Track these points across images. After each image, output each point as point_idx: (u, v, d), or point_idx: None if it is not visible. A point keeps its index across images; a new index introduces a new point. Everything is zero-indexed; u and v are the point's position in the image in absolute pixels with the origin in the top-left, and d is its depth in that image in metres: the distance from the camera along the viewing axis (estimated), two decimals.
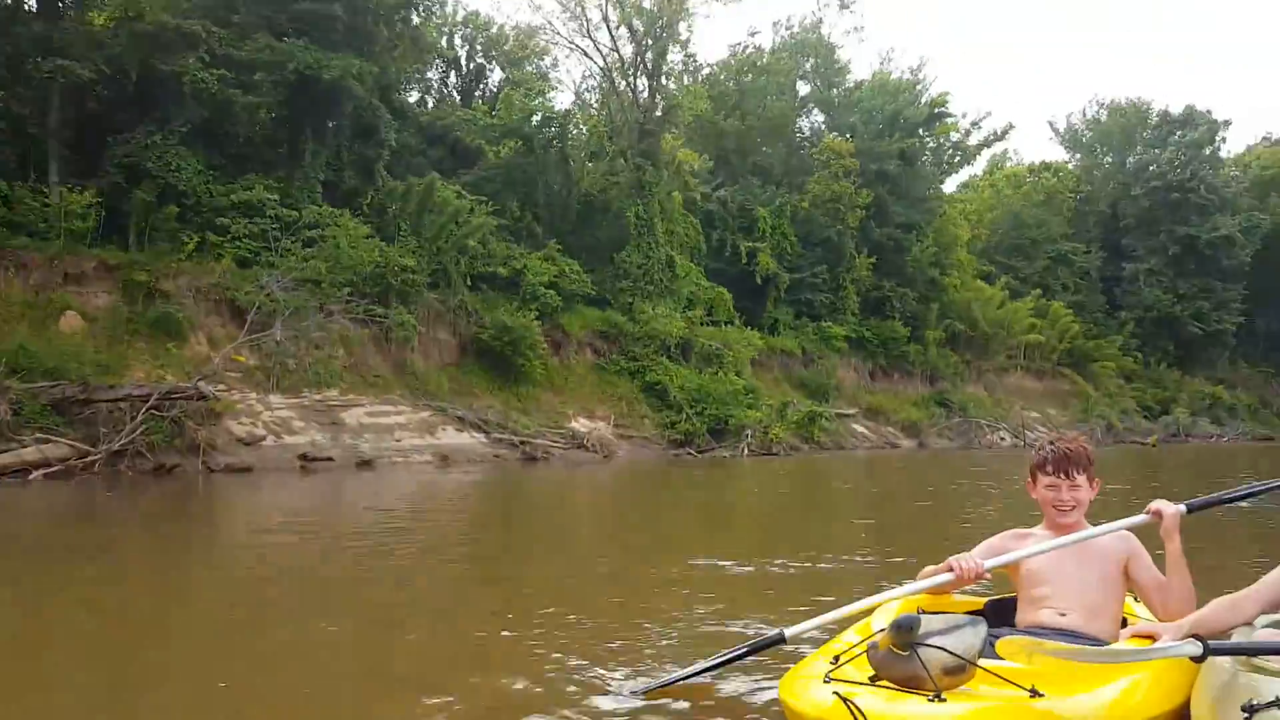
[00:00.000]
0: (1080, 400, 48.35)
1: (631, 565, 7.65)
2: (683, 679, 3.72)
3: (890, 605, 3.44)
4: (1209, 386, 54.96)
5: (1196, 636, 2.72)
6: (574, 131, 36.15)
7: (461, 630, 5.00)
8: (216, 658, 4.52)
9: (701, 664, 3.75)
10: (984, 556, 3.47)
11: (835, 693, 2.43)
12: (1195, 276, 56.23)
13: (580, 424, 28.27)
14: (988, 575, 3.44)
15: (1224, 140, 62.40)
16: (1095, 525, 3.50)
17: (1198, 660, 2.69)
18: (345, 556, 8.17)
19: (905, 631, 2.50)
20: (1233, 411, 54.56)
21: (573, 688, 3.73)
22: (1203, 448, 41.98)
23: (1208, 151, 60.02)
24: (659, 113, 36.19)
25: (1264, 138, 70.34)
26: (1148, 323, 55.66)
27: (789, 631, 3.58)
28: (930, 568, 3.54)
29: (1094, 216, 59.85)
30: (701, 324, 33.96)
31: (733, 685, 3.77)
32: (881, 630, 2.62)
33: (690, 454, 28.32)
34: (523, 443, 25.47)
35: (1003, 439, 40.91)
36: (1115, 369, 51.95)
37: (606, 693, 3.66)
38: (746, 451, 28.87)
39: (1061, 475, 3.45)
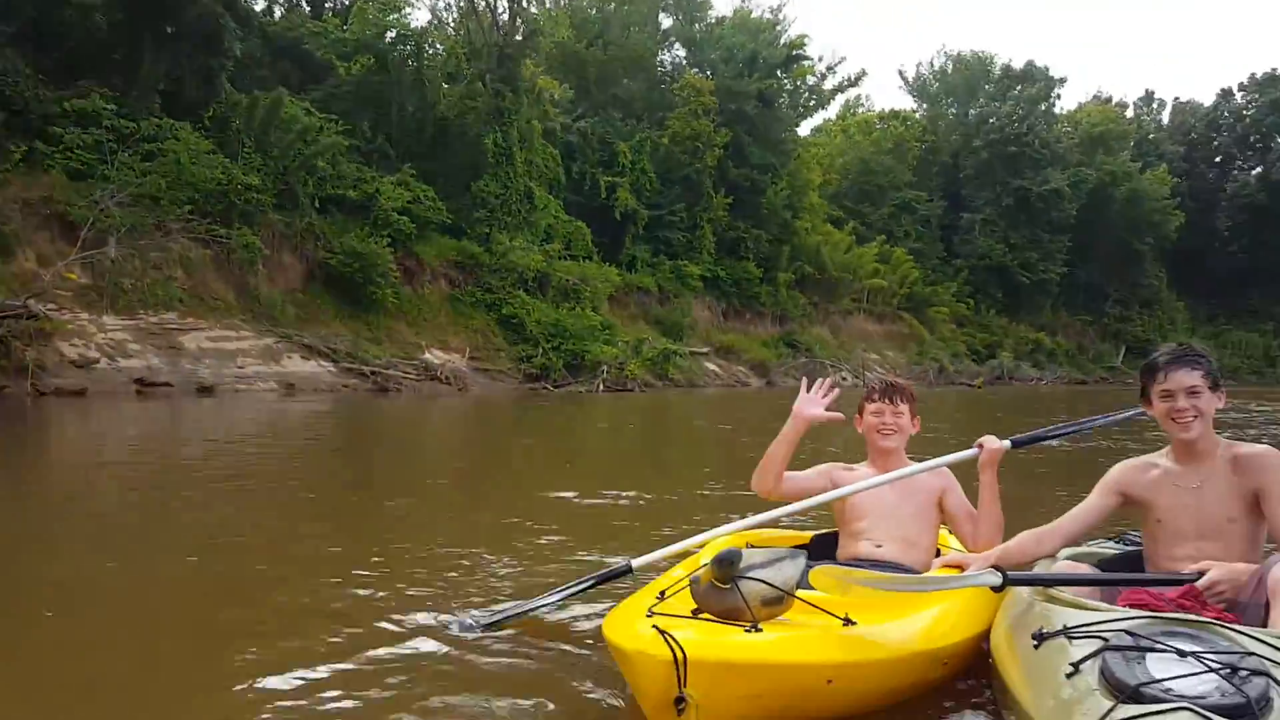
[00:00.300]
0: (916, 343, 50.50)
1: (480, 499, 7.45)
2: (527, 611, 3.63)
3: (722, 540, 3.54)
4: (1032, 333, 58.26)
5: (997, 567, 2.86)
6: (430, 51, 34.74)
7: (300, 566, 4.71)
8: (21, 593, 4.16)
9: (546, 596, 3.69)
10: (814, 482, 3.62)
11: (654, 626, 2.41)
12: (1025, 228, 59.13)
13: (434, 355, 27.70)
14: (820, 419, 3.58)
15: (1059, 97, 65.93)
16: (919, 463, 3.64)
17: (997, 590, 2.84)
18: (179, 487, 7.58)
19: (727, 565, 2.52)
20: (1052, 356, 58.06)
21: (413, 624, 3.58)
22: (1024, 389, 44.58)
23: (1043, 107, 62.96)
24: (519, 37, 35.18)
25: (1094, 96, 74.40)
26: (980, 271, 58.38)
27: (636, 562, 3.57)
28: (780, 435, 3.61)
29: (937, 166, 62.03)
30: (560, 258, 33.59)
31: (578, 618, 3.70)
32: (705, 565, 2.62)
33: (546, 388, 28.18)
34: (373, 373, 24.77)
35: (845, 379, 42.31)
36: (949, 314, 54.40)
37: (447, 628, 3.52)
38: (602, 387, 28.94)
39: (886, 401, 3.63)
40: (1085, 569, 3.08)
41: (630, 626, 2.54)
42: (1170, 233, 64.80)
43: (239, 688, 2.88)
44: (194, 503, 6.80)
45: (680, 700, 2.29)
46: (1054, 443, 4.15)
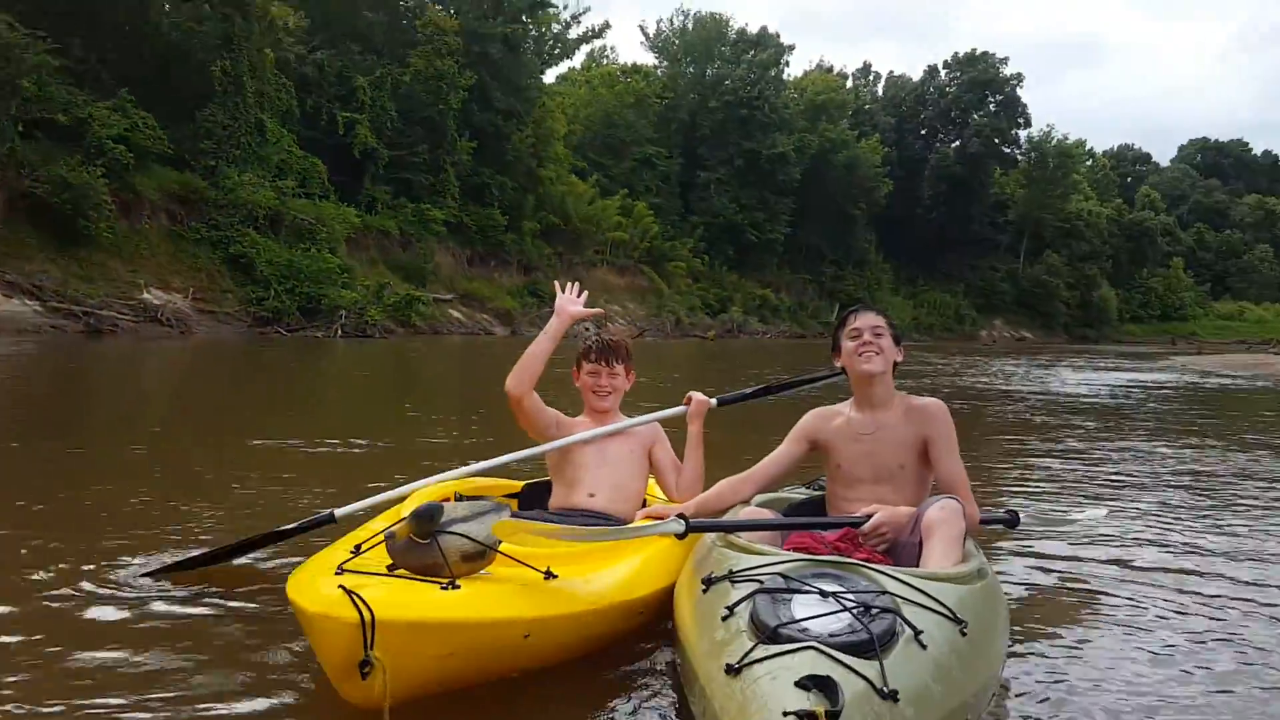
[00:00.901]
0: (655, 296, 52.15)
1: (187, 445, 7.15)
2: (206, 561, 3.45)
3: (431, 489, 3.46)
4: (760, 289, 61.45)
5: (681, 516, 2.96)
6: None
7: None
8: None
9: (235, 546, 3.51)
10: (545, 415, 3.65)
11: (341, 586, 2.24)
12: (755, 189, 62.09)
13: (153, 296, 25.76)
14: (576, 317, 3.69)
15: (787, 64, 69.12)
16: (637, 415, 3.77)
17: (680, 537, 2.92)
18: None
19: (425, 520, 2.43)
20: (776, 312, 61.67)
21: (86, 574, 3.34)
22: (751, 342, 47.28)
23: (773, 73, 66.01)
24: None
25: (817, 64, 78.97)
26: (715, 228, 60.84)
27: (339, 512, 3.45)
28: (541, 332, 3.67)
29: (676, 124, 63.73)
30: (294, 196, 31.93)
31: (274, 570, 3.54)
32: (403, 520, 2.50)
33: (279, 333, 26.92)
34: (85, 314, 22.78)
35: (588, 329, 43.13)
36: (686, 269, 56.39)
37: (115, 577, 3.29)
38: (340, 333, 27.98)
39: (603, 363, 3.68)
40: (769, 514, 3.17)
41: (315, 585, 2.36)
42: (880, 199, 70.03)
43: None
44: None
45: (365, 664, 2.17)
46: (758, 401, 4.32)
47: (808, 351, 33.88)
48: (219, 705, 2.38)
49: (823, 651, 1.91)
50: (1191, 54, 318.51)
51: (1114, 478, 6.67)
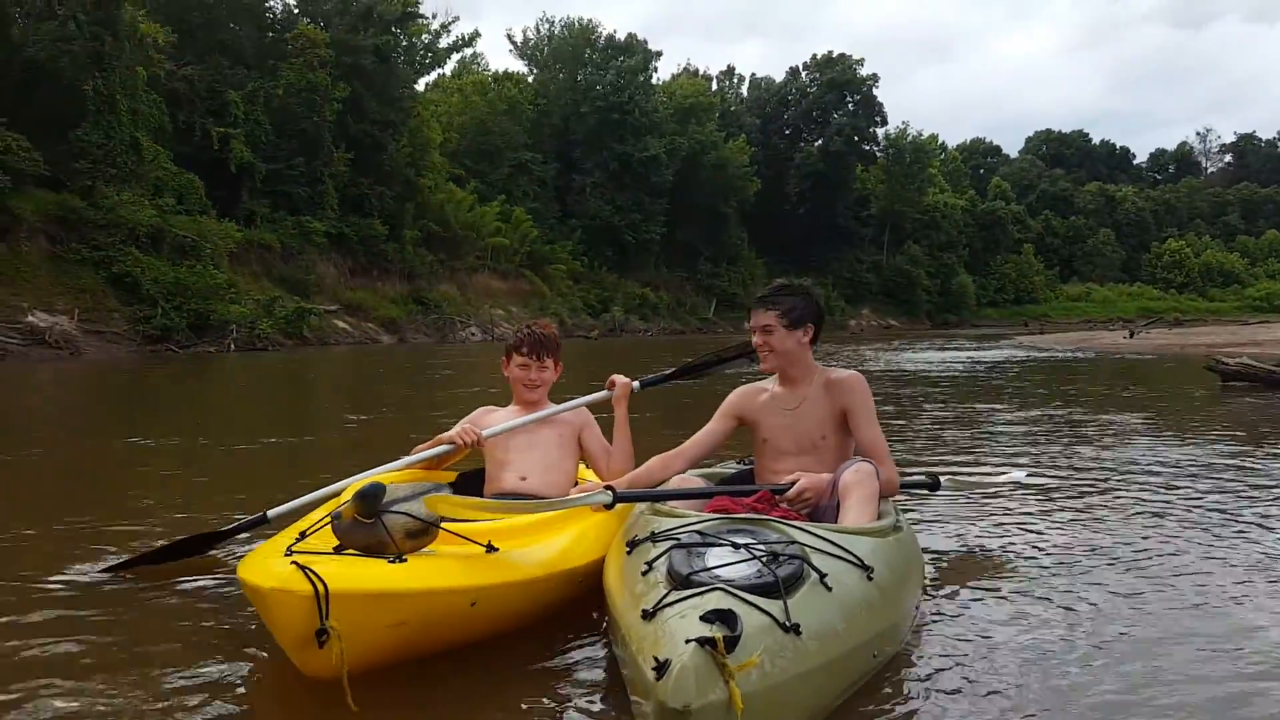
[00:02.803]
0: (538, 298, 53.14)
1: (78, 463, 7.18)
2: (144, 562, 3.56)
3: (363, 481, 3.44)
4: (639, 288, 62.85)
5: (609, 487, 3.07)
6: None
7: None
8: None
9: (171, 548, 3.60)
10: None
11: (293, 562, 2.34)
12: (630, 191, 63.68)
13: (38, 318, 25.58)
14: (483, 443, 3.72)
15: (656, 69, 70.98)
16: (558, 403, 3.90)
17: (609, 507, 3.06)
18: None
19: (370, 499, 2.55)
20: (656, 310, 63.23)
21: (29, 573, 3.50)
22: (633, 340, 48.75)
23: (642, 78, 67.69)
24: None
25: (685, 69, 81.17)
26: (593, 230, 62.20)
27: (272, 512, 3.51)
28: (424, 445, 3.79)
29: (549, 129, 64.85)
30: (174, 213, 31.92)
31: (212, 568, 3.66)
32: (347, 502, 2.60)
33: (171, 349, 27.05)
34: None
35: (474, 334, 44.04)
36: (566, 271, 57.49)
37: (68, 575, 3.41)
38: (233, 347, 28.28)
39: (534, 357, 3.80)
40: (698, 482, 3.34)
41: (267, 565, 2.45)
42: (749, 197, 72.60)
43: None
44: None
45: (322, 633, 2.27)
46: (692, 382, 4.50)
47: (688, 346, 35.28)
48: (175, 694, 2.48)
49: (729, 591, 2.04)
50: (1035, 50, 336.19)
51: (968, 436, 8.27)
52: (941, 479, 4.10)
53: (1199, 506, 4.74)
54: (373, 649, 2.40)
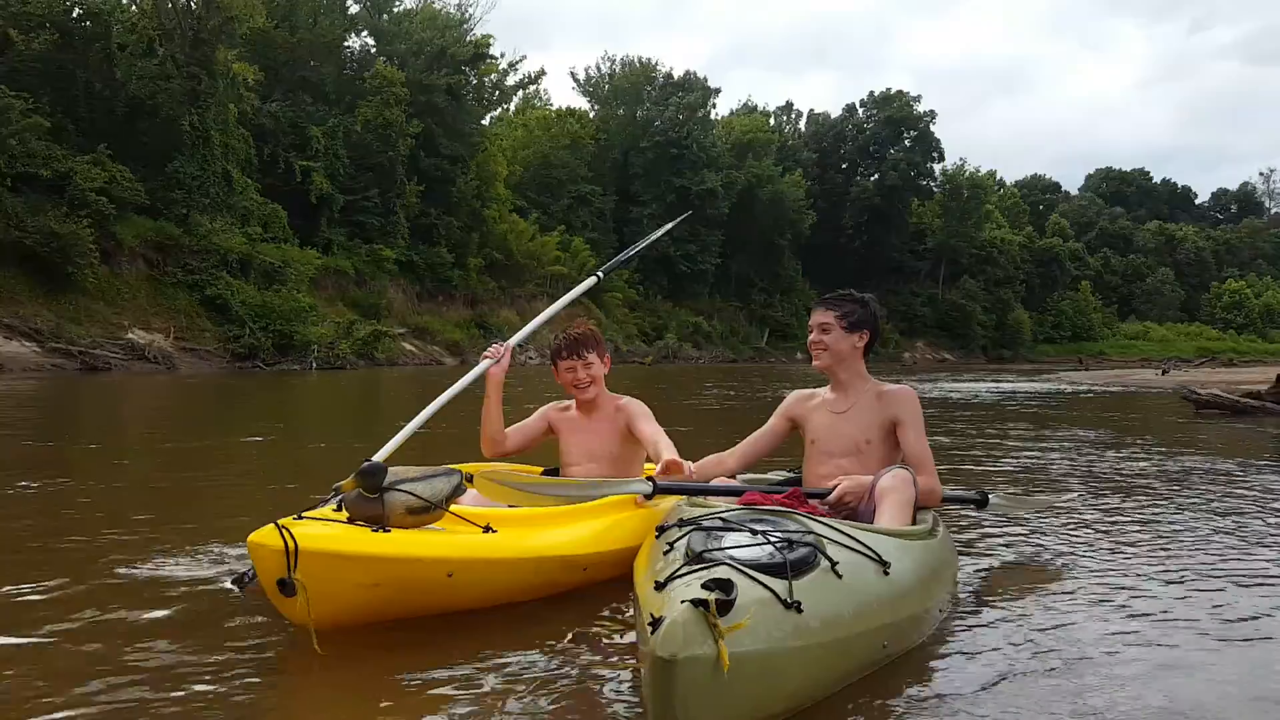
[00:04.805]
0: (594, 325, 54.82)
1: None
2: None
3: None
4: (693, 317, 64.41)
5: (650, 478, 3.15)
6: (118, 29, 33.96)
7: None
8: None
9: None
10: (536, 425, 3.98)
11: (274, 523, 2.52)
12: (686, 223, 65.40)
13: (137, 335, 27.90)
14: (510, 352, 3.90)
15: (714, 106, 72.93)
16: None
17: (649, 497, 3.15)
18: None
19: (370, 476, 2.69)
20: (709, 338, 64.67)
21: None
22: (686, 366, 50.08)
23: (701, 114, 69.62)
24: (214, 22, 35.18)
25: (743, 104, 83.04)
26: (649, 260, 63.05)
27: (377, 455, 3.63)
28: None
29: (609, 163, 66.97)
30: (261, 240, 34.30)
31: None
32: (351, 476, 2.74)
33: (259, 367, 29.21)
34: (81, 353, 24.90)
35: (532, 358, 45.79)
36: (622, 299, 59.29)
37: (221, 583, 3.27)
38: (315, 366, 30.34)
39: (575, 357, 3.81)
40: (737, 481, 3.41)
41: (266, 528, 2.56)
42: (805, 230, 74.08)
43: None
44: None
45: (286, 584, 2.46)
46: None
47: (740, 375, 36.46)
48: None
49: (735, 567, 2.10)
50: (1107, 83, 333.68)
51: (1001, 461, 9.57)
52: (991, 497, 4.04)
53: (1210, 518, 4.88)
54: (346, 605, 2.59)
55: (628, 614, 2.96)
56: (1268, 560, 3.94)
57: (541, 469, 3.96)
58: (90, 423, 11.82)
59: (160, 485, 6.06)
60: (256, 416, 12.90)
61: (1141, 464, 7.49)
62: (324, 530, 2.60)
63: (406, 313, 42.56)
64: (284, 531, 2.47)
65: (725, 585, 1.95)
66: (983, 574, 3.67)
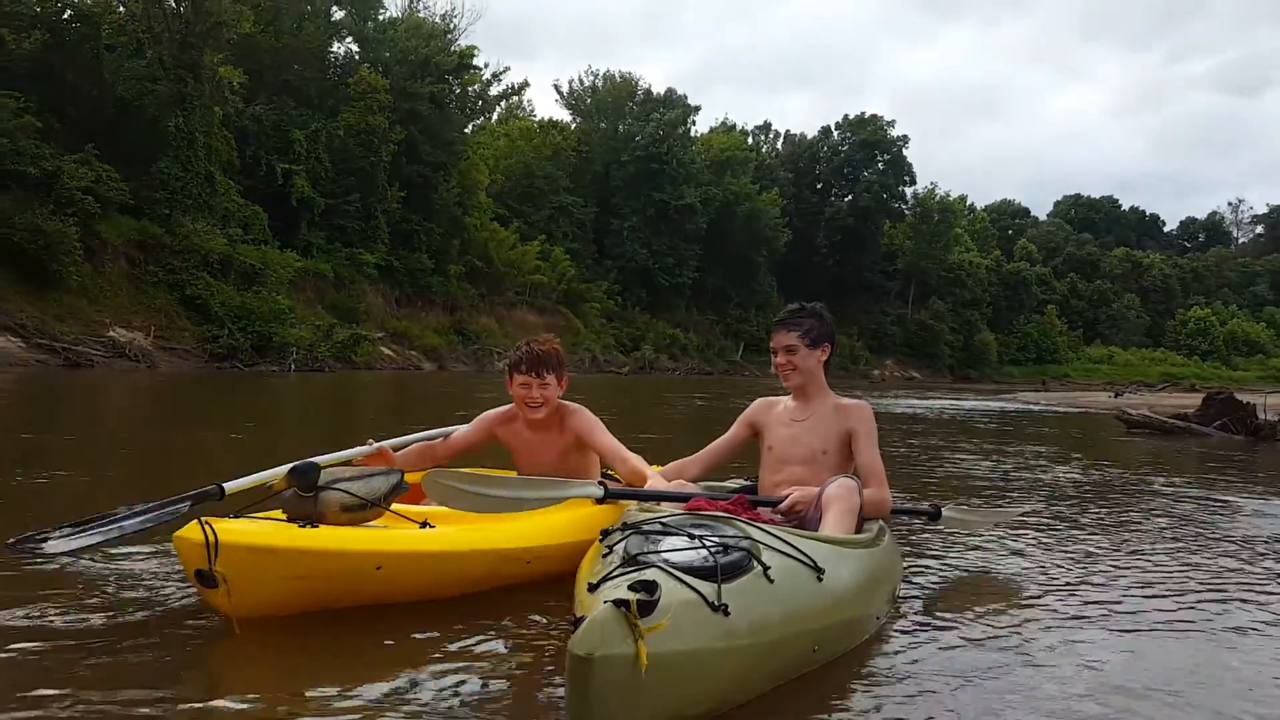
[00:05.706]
0: (572, 334, 55.33)
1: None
2: (94, 527, 3.04)
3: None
4: (670, 329, 64.96)
5: (602, 483, 3.21)
6: (107, 31, 34.26)
7: None
8: None
9: (117, 517, 3.08)
10: (474, 437, 3.96)
11: (198, 518, 2.53)
12: (665, 236, 66.32)
13: (118, 334, 28.17)
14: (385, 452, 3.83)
15: (694, 122, 73.80)
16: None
17: (600, 501, 3.21)
18: None
19: (302, 475, 2.71)
20: (685, 350, 65.16)
21: None
22: (662, 378, 50.49)
23: (681, 130, 70.46)
24: (202, 27, 35.53)
25: (722, 124, 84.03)
26: (628, 272, 64.85)
27: (229, 485, 3.23)
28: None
29: (590, 175, 67.69)
30: (241, 242, 34.63)
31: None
32: (282, 478, 2.76)
33: (237, 367, 29.44)
34: (64, 349, 25.20)
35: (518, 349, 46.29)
36: (600, 309, 59.83)
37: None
38: (293, 368, 30.69)
39: (534, 375, 3.66)
40: (693, 487, 3.39)
41: (191, 524, 2.56)
42: (780, 247, 75.15)
43: None
44: None
45: (206, 576, 2.49)
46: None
47: (715, 386, 36.96)
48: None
49: (664, 569, 2.12)
50: (1082, 110, 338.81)
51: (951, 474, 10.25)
52: (945, 511, 4.10)
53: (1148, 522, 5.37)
54: (272, 596, 2.61)
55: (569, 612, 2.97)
56: (1185, 562, 4.29)
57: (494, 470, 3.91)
58: (68, 417, 11.63)
59: (120, 477, 6.17)
60: (230, 415, 12.93)
61: (1074, 475, 8.22)
62: (247, 525, 2.64)
63: (385, 317, 42.86)
64: (205, 526, 2.51)
65: (649, 586, 1.98)
66: (929, 582, 3.71)
